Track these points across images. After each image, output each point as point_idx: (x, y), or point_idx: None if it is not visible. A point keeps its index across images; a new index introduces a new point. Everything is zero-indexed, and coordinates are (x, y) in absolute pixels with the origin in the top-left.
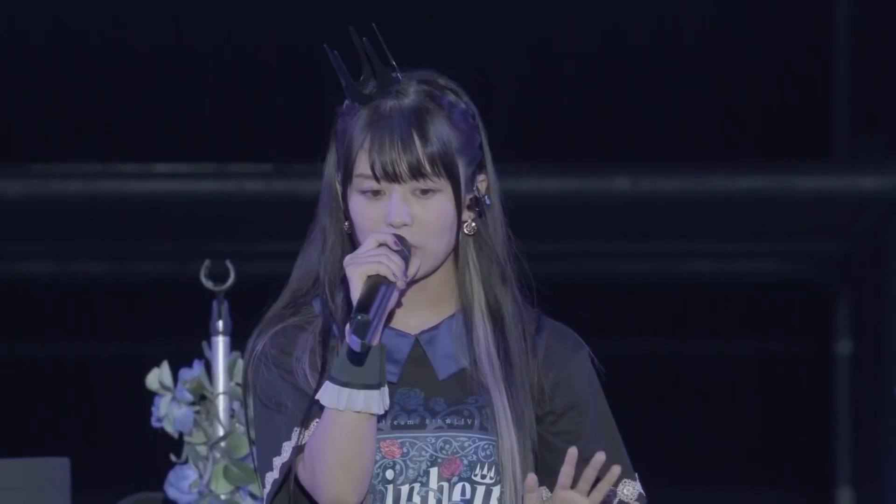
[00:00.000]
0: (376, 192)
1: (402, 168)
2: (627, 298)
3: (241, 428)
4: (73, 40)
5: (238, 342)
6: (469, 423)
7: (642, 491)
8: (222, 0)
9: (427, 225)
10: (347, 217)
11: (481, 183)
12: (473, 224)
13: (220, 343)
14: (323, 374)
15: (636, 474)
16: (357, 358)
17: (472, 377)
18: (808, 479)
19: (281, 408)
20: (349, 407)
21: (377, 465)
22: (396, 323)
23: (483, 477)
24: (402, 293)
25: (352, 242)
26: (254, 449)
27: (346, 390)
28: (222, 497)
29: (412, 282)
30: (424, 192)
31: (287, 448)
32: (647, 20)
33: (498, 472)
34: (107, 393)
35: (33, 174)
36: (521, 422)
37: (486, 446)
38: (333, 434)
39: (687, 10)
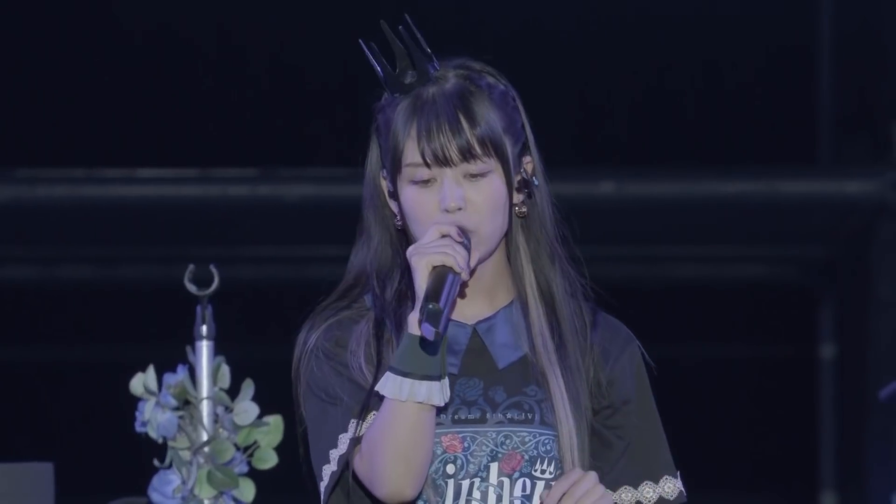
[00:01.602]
0: (427, 181)
1: (453, 151)
2: (611, 303)
3: (224, 433)
4: (56, 46)
5: (222, 347)
6: (530, 417)
7: (682, 489)
8: (207, 5)
9: (481, 207)
10: (399, 211)
11: (527, 165)
12: (524, 207)
13: (204, 348)
14: (379, 367)
15: (678, 472)
16: (430, 347)
17: (532, 364)
18: (793, 482)
19: (336, 400)
20: (411, 397)
21: (438, 460)
22: (453, 314)
23: (543, 472)
24: (463, 284)
25: (403, 236)
26: (309, 443)
27: (409, 381)
28: (206, 502)
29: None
30: (475, 174)
31: (344, 440)
32: (630, 24)
33: (558, 468)
34: (91, 397)
35: (18, 179)
36: (578, 407)
37: (546, 441)
38: (394, 425)
39: (670, 14)
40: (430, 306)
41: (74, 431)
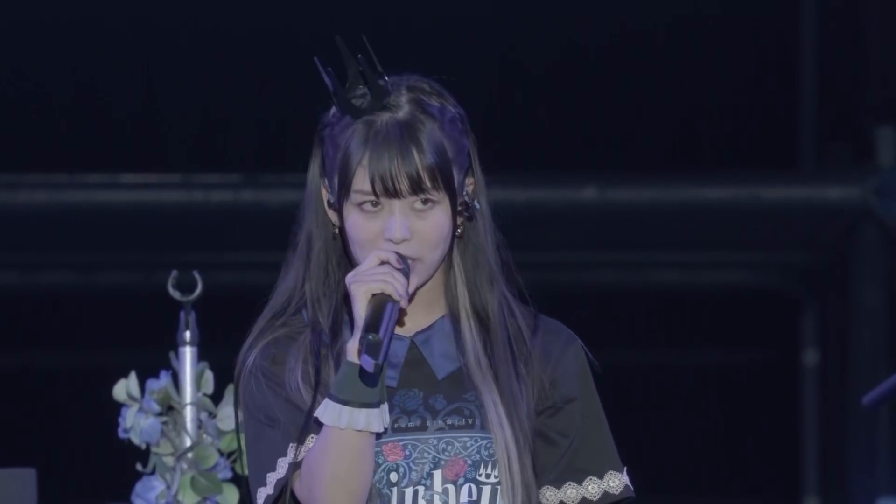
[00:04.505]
0: (375, 206)
1: (403, 185)
2: (594, 308)
3: (208, 439)
4: (37, 51)
5: (205, 353)
6: (470, 422)
7: (629, 483)
8: (187, 11)
9: (426, 238)
10: (340, 228)
11: (469, 186)
12: (462, 229)
13: (188, 353)
14: (317, 387)
15: (624, 467)
16: (371, 379)
17: (468, 376)
18: (775, 488)
19: (273, 422)
20: (350, 426)
21: (381, 469)
22: None
23: (488, 476)
24: (402, 311)
25: (343, 250)
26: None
27: (348, 409)
28: None
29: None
30: (423, 205)
31: (283, 464)
32: (611, 29)
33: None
34: (73, 403)
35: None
36: (514, 419)
37: (488, 445)
38: (333, 452)
39: (652, 19)
40: (370, 337)
41: (57, 437)
